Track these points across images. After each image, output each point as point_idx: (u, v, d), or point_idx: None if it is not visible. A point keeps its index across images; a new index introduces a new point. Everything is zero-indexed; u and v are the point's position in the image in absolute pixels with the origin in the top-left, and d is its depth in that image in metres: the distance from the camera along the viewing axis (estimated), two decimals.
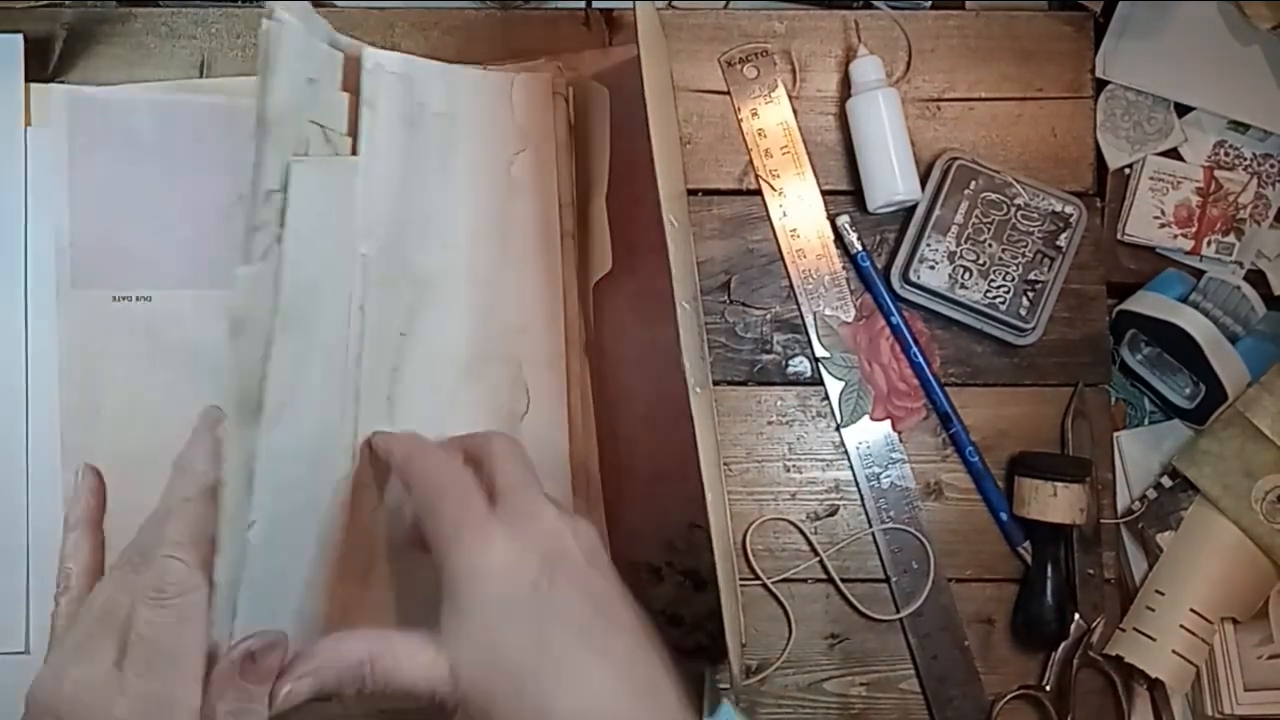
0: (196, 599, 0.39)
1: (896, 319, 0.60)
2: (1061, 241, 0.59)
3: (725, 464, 0.60)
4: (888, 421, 0.60)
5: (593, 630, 0.40)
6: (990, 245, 0.59)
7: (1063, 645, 0.59)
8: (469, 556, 0.41)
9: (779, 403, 0.61)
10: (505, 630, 0.40)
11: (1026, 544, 0.60)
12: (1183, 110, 0.64)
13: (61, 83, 0.59)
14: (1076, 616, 0.59)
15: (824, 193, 0.61)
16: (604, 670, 0.39)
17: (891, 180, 0.59)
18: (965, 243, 0.59)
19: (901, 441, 0.60)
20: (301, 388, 0.44)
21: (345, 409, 0.48)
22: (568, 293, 0.57)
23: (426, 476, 0.44)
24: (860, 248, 0.60)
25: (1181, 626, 0.58)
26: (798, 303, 0.61)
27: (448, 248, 0.55)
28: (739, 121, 0.62)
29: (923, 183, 0.60)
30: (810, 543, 0.60)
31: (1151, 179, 0.63)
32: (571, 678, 0.39)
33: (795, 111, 0.62)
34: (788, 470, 0.60)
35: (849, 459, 0.60)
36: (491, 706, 0.38)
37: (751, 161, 0.61)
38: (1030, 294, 0.59)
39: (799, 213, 0.61)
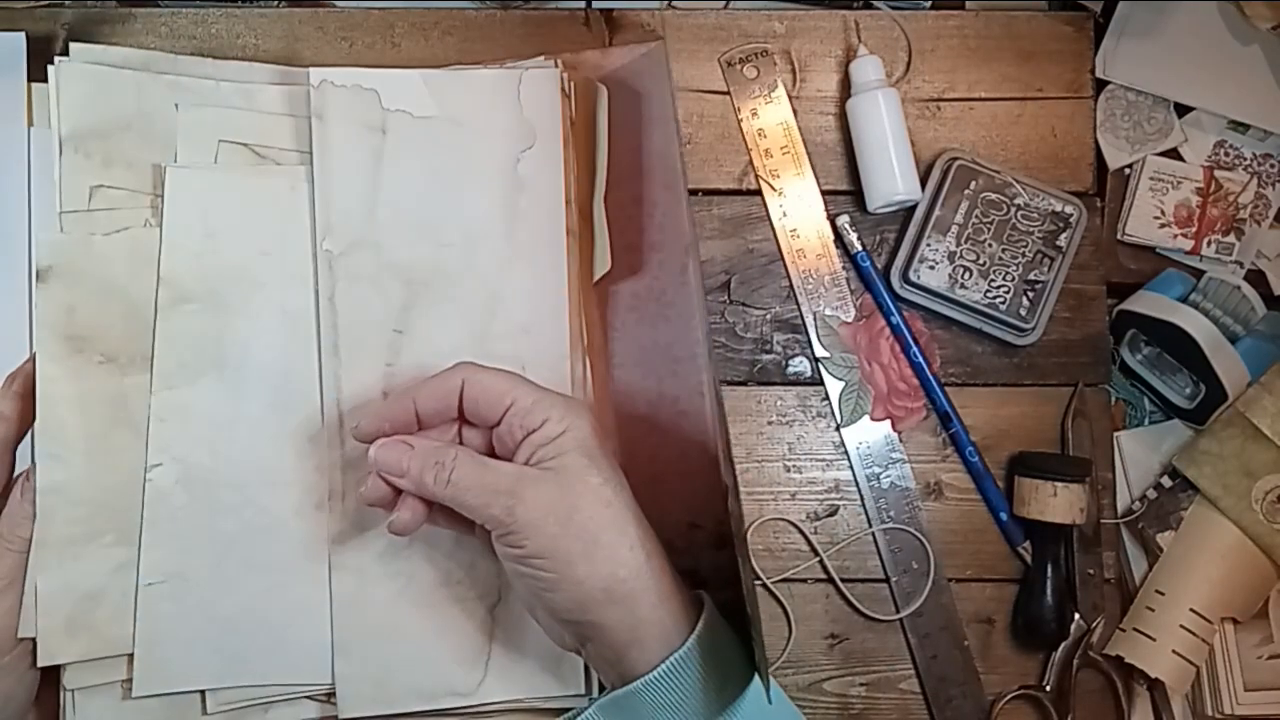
0: None
1: (896, 319, 0.60)
2: (1061, 241, 0.59)
3: None
4: (888, 421, 0.60)
5: (619, 498, 0.48)
6: (990, 245, 0.59)
7: (1063, 645, 0.59)
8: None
9: (779, 403, 0.61)
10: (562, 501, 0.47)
11: (1026, 544, 0.60)
12: (1183, 110, 0.64)
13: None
14: (1076, 616, 0.59)
15: (824, 193, 0.61)
16: (631, 524, 0.48)
17: (891, 180, 0.59)
18: (965, 243, 0.59)
19: (901, 441, 0.60)
20: (238, 359, 0.54)
21: (297, 393, 0.54)
22: (571, 292, 0.57)
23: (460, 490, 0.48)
24: (860, 248, 0.60)
25: (1181, 626, 0.58)
26: (798, 303, 0.61)
27: (446, 246, 0.55)
28: (739, 121, 0.62)
29: (923, 183, 0.60)
30: (810, 543, 0.60)
31: (1151, 179, 0.63)
32: (611, 532, 0.47)
33: (795, 111, 0.62)
34: (788, 470, 0.60)
35: (849, 459, 0.60)
36: (541, 532, 0.46)
37: (751, 161, 0.61)
38: (1030, 294, 0.59)
39: (799, 213, 0.61)
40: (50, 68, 0.54)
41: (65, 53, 0.55)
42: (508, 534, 0.46)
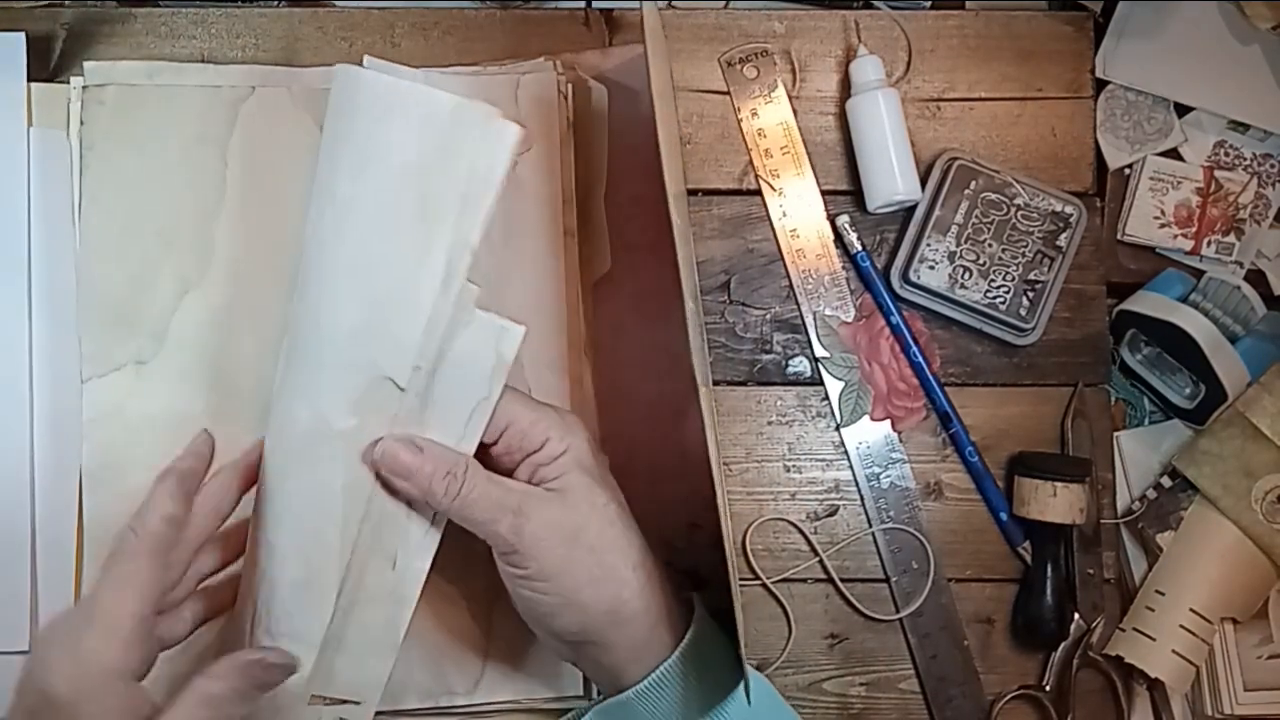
0: (135, 568, 0.43)
1: (896, 319, 0.60)
2: (1061, 241, 0.59)
3: (725, 464, 0.60)
4: (887, 421, 0.60)
5: (622, 518, 0.48)
6: (990, 245, 0.59)
7: (1063, 645, 0.59)
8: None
9: (779, 403, 0.61)
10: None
11: (1026, 544, 0.60)
12: (1183, 110, 0.64)
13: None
14: (1076, 616, 0.59)
15: (824, 193, 0.61)
16: (634, 543, 0.48)
17: (891, 180, 0.59)
18: (965, 243, 0.59)
19: (901, 441, 0.60)
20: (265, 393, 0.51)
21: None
22: (569, 292, 0.57)
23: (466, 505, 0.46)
24: (860, 248, 0.60)
25: (1181, 626, 0.58)
26: (798, 303, 0.61)
27: None
28: (739, 121, 0.62)
29: (923, 183, 0.60)
30: (810, 543, 0.60)
31: (1151, 179, 0.63)
32: (615, 554, 0.47)
33: (795, 111, 0.62)
34: (788, 470, 0.60)
35: (849, 459, 0.60)
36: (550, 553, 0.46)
37: (751, 161, 0.61)
38: (1030, 294, 0.59)
39: (799, 213, 0.61)
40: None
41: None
42: (512, 553, 0.46)
